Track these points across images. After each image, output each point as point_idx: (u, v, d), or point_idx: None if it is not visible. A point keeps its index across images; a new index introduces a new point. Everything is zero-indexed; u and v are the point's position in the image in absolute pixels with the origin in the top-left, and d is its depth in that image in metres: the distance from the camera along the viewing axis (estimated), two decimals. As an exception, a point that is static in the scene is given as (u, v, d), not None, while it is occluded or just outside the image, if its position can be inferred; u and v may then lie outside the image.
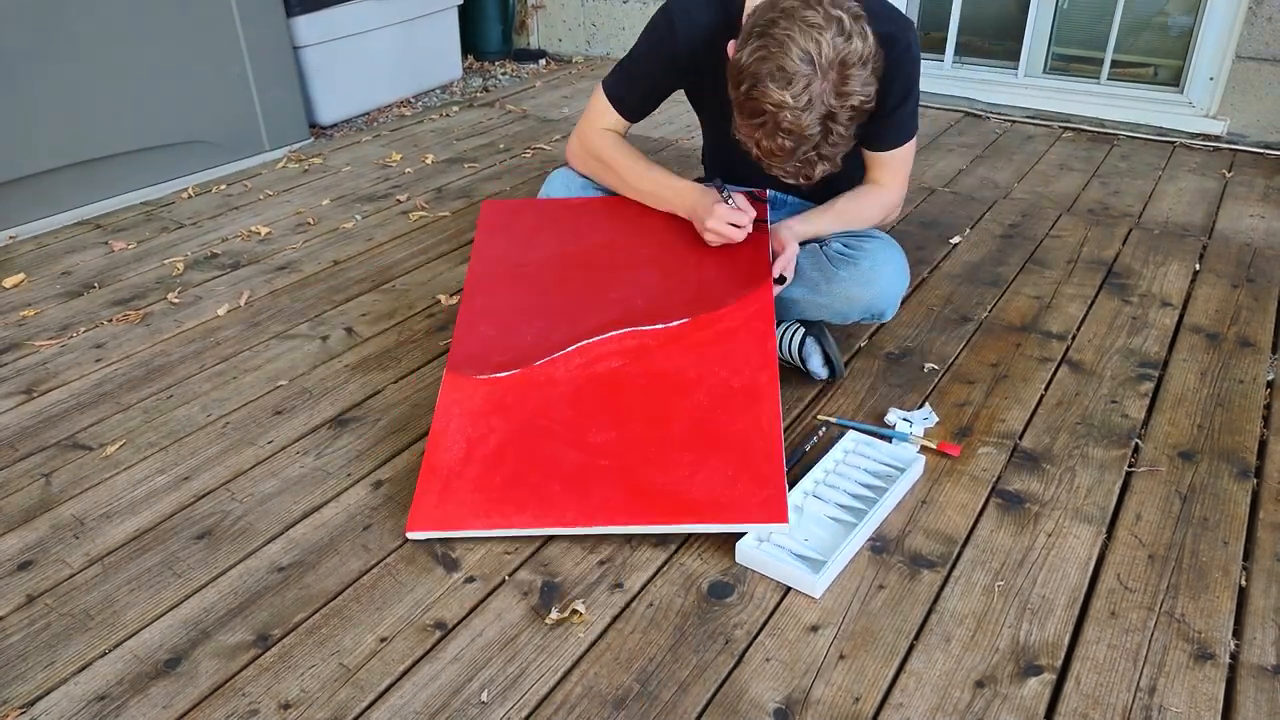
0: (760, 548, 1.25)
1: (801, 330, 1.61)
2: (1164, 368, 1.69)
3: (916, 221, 2.30)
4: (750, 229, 1.56)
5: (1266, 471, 1.43)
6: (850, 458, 1.43)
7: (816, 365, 1.61)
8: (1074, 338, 1.79)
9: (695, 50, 1.56)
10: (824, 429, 1.54)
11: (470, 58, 4.02)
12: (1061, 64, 3.16)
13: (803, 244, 1.59)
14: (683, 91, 1.73)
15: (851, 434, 1.47)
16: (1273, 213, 2.33)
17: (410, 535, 1.30)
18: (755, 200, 1.67)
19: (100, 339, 1.89)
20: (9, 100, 2.26)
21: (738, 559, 1.26)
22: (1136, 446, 1.49)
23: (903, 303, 1.89)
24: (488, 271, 1.65)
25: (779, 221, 1.60)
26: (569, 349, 1.48)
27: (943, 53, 3.27)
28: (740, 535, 1.27)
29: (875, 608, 1.19)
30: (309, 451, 1.52)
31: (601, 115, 1.68)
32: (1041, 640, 1.14)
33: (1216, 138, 2.83)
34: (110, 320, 1.96)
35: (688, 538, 1.31)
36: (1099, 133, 2.93)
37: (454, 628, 1.18)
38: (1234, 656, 1.12)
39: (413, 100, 3.53)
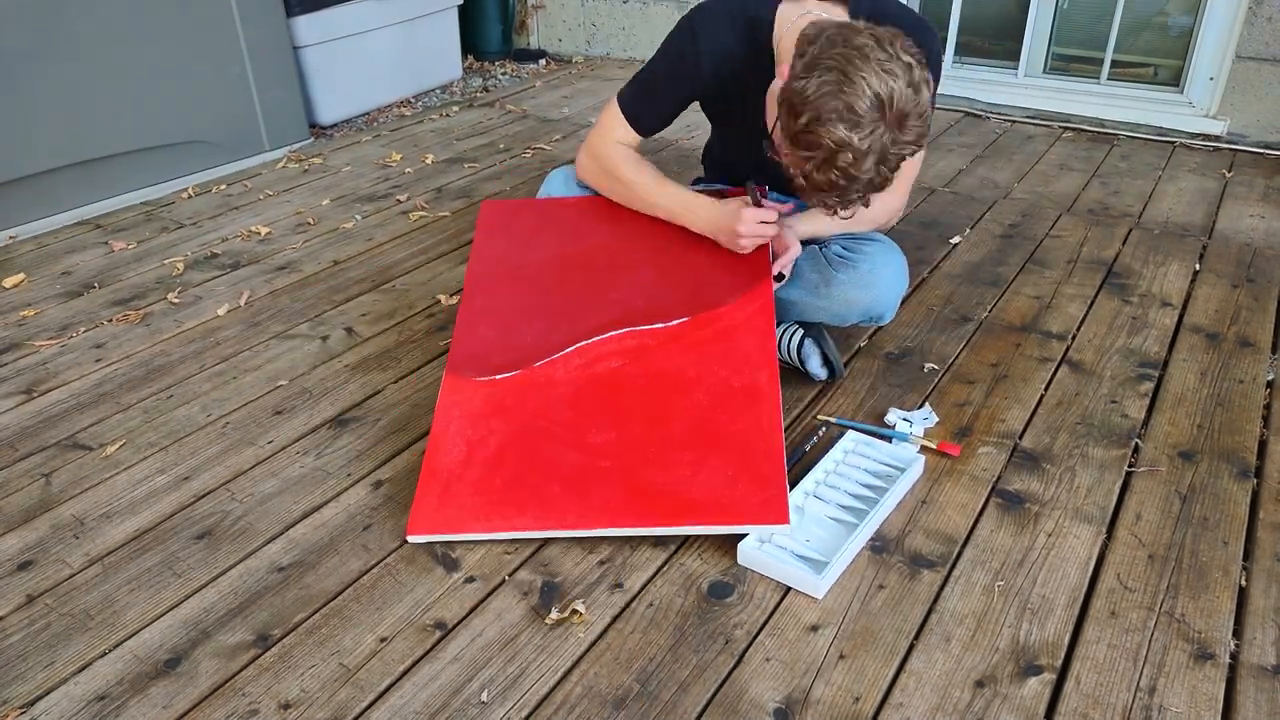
0: (762, 549, 1.25)
1: (800, 331, 1.62)
2: (1164, 368, 1.69)
3: (916, 221, 2.30)
4: (780, 224, 1.55)
5: (1266, 471, 1.43)
6: (850, 458, 1.43)
7: (815, 366, 1.61)
8: (1074, 338, 1.79)
9: (723, 79, 1.54)
10: (824, 429, 1.54)
11: (470, 58, 4.02)
12: (1061, 64, 3.16)
13: (803, 244, 1.59)
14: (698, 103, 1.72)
15: (851, 434, 1.47)
16: (1273, 213, 2.33)
17: (411, 539, 1.30)
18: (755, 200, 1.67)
19: (100, 339, 1.89)
20: (9, 100, 2.26)
21: (740, 560, 1.26)
22: (1136, 446, 1.49)
23: (903, 303, 1.89)
24: (487, 272, 1.64)
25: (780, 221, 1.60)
26: (568, 349, 1.48)
27: (943, 53, 3.26)
28: (742, 536, 1.27)
29: (875, 608, 1.19)
30: (309, 451, 1.52)
31: (614, 130, 1.64)
32: (1041, 640, 1.14)
33: (1216, 138, 2.83)
34: (110, 320, 1.96)
35: (687, 537, 1.31)
36: (1099, 133, 2.93)
37: (454, 628, 1.18)
38: (1234, 656, 1.12)
39: (413, 100, 3.53)
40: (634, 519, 1.27)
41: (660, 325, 1.50)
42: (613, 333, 1.49)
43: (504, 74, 3.85)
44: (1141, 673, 1.10)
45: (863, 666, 1.11)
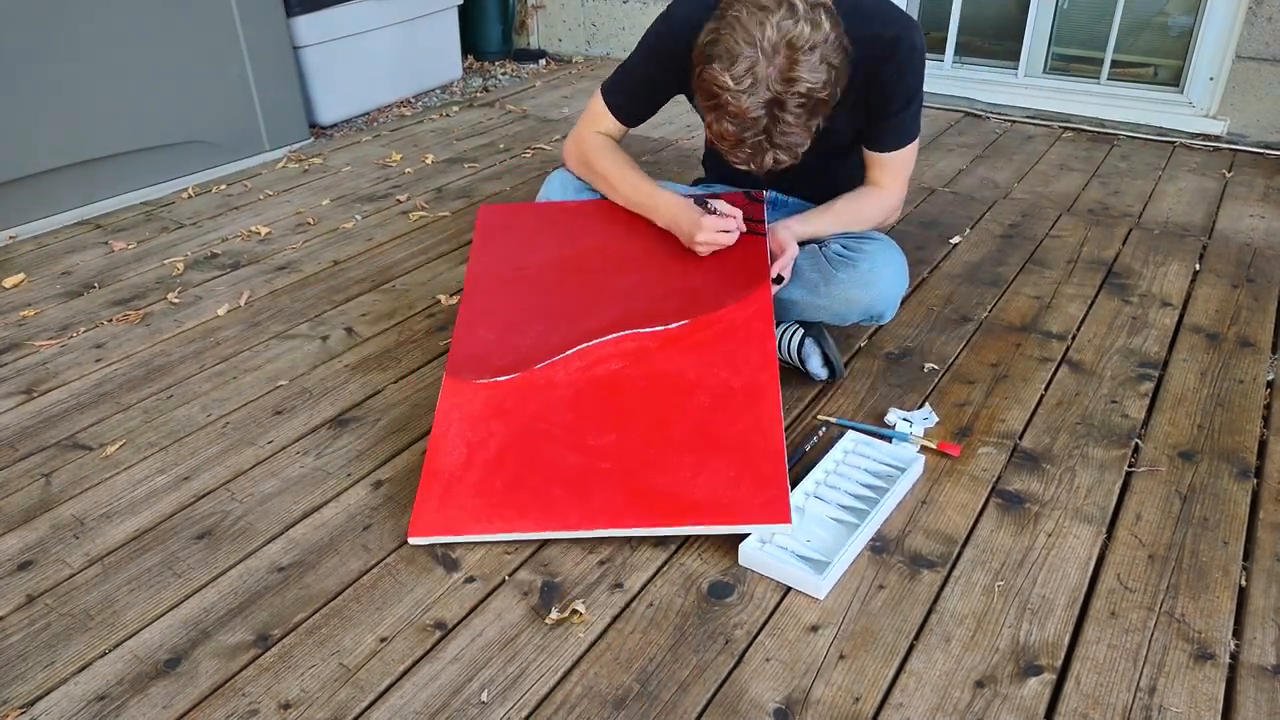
0: (763, 549, 1.25)
1: (800, 331, 1.61)
2: (1164, 368, 1.69)
3: (916, 221, 2.30)
4: (741, 228, 1.56)
5: (1266, 471, 1.43)
6: (850, 458, 1.43)
7: (816, 366, 1.61)
8: (1074, 338, 1.79)
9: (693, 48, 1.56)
10: (824, 429, 1.54)
11: (470, 58, 4.02)
12: (1061, 64, 3.16)
13: (801, 244, 1.59)
14: (684, 95, 1.73)
15: (851, 434, 1.47)
16: (1273, 213, 2.33)
17: (412, 541, 1.30)
18: (752, 200, 1.67)
19: (100, 339, 1.89)
20: (9, 100, 2.26)
21: (741, 561, 1.26)
22: (1136, 446, 1.49)
23: (903, 303, 1.89)
24: (486, 275, 1.64)
25: (778, 221, 1.60)
26: (568, 352, 1.48)
27: (943, 53, 3.27)
28: (743, 536, 1.27)
29: (875, 608, 1.19)
30: (309, 451, 1.52)
31: (598, 119, 1.68)
32: (1041, 640, 1.14)
33: (1216, 138, 2.83)
34: (110, 320, 1.96)
35: (687, 537, 1.31)
36: (1099, 133, 2.93)
37: (454, 628, 1.18)
38: (1234, 656, 1.12)
39: (413, 100, 3.53)
40: (636, 520, 1.27)
41: (660, 328, 1.50)
42: (612, 335, 1.49)
43: (504, 74, 3.85)
44: (1141, 673, 1.10)
45: (863, 666, 1.11)
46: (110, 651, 1.16)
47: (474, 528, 1.28)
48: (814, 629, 1.16)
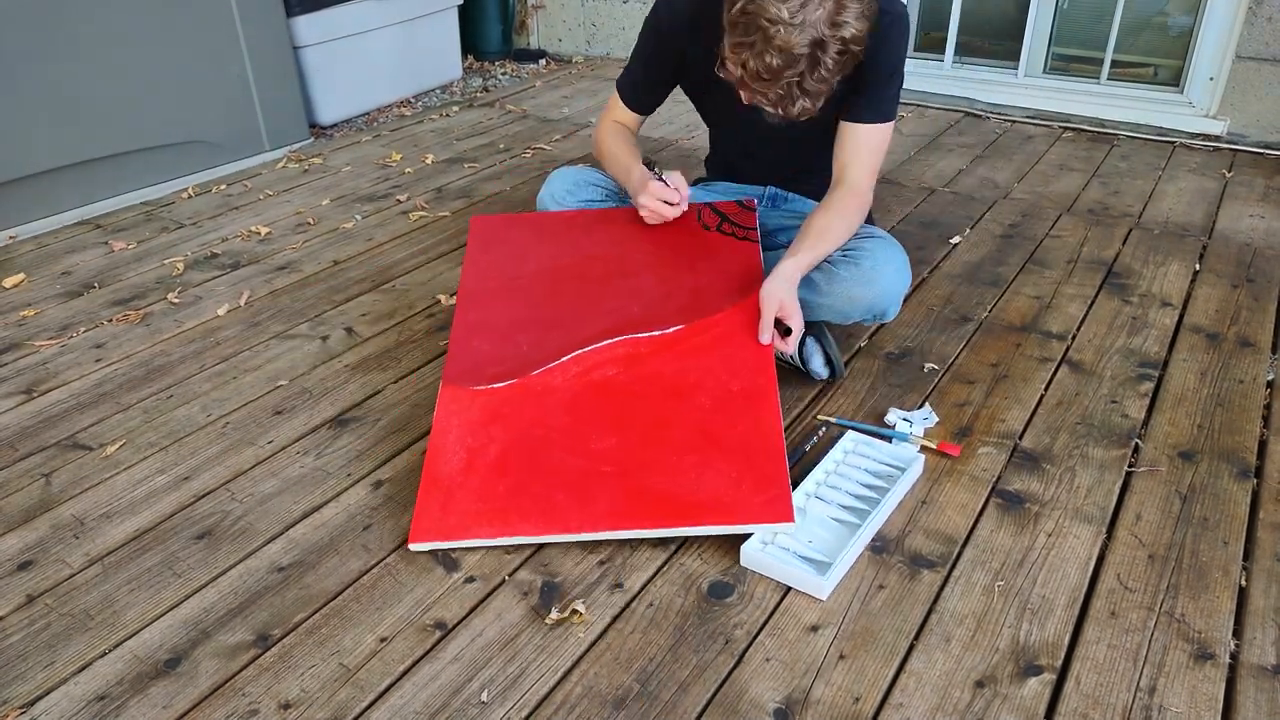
0: (765, 550, 1.25)
1: (802, 331, 1.61)
2: (1164, 368, 1.69)
3: (916, 221, 2.30)
4: (684, 208, 1.62)
5: (1266, 471, 1.43)
6: (850, 458, 1.43)
7: (817, 366, 1.61)
8: (1074, 338, 1.79)
9: (685, 20, 1.57)
10: (824, 429, 1.54)
11: (470, 58, 4.02)
12: (1061, 64, 3.16)
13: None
14: (682, 90, 1.73)
15: (851, 434, 1.47)
16: (1273, 213, 2.33)
17: (413, 547, 1.30)
18: (743, 209, 1.68)
19: (100, 339, 1.89)
20: (9, 100, 2.26)
21: (743, 562, 1.25)
22: (1136, 446, 1.49)
23: (903, 302, 1.89)
24: (480, 286, 1.64)
25: (769, 278, 1.49)
26: (564, 359, 1.48)
27: (943, 53, 3.26)
28: (745, 536, 1.27)
29: (875, 608, 1.19)
30: (309, 451, 1.52)
31: (613, 109, 1.78)
32: (1041, 640, 1.14)
33: (1216, 138, 2.83)
34: (110, 320, 1.96)
35: (688, 538, 1.31)
36: (1099, 133, 2.93)
37: (454, 628, 1.18)
38: (1234, 656, 1.12)
39: (413, 100, 3.53)
40: (639, 522, 1.27)
41: (656, 333, 1.50)
42: (608, 341, 1.49)
43: (504, 74, 3.85)
44: (1141, 673, 1.10)
45: (863, 667, 1.11)
46: (110, 651, 1.16)
47: (477, 532, 1.28)
48: (814, 629, 1.16)
